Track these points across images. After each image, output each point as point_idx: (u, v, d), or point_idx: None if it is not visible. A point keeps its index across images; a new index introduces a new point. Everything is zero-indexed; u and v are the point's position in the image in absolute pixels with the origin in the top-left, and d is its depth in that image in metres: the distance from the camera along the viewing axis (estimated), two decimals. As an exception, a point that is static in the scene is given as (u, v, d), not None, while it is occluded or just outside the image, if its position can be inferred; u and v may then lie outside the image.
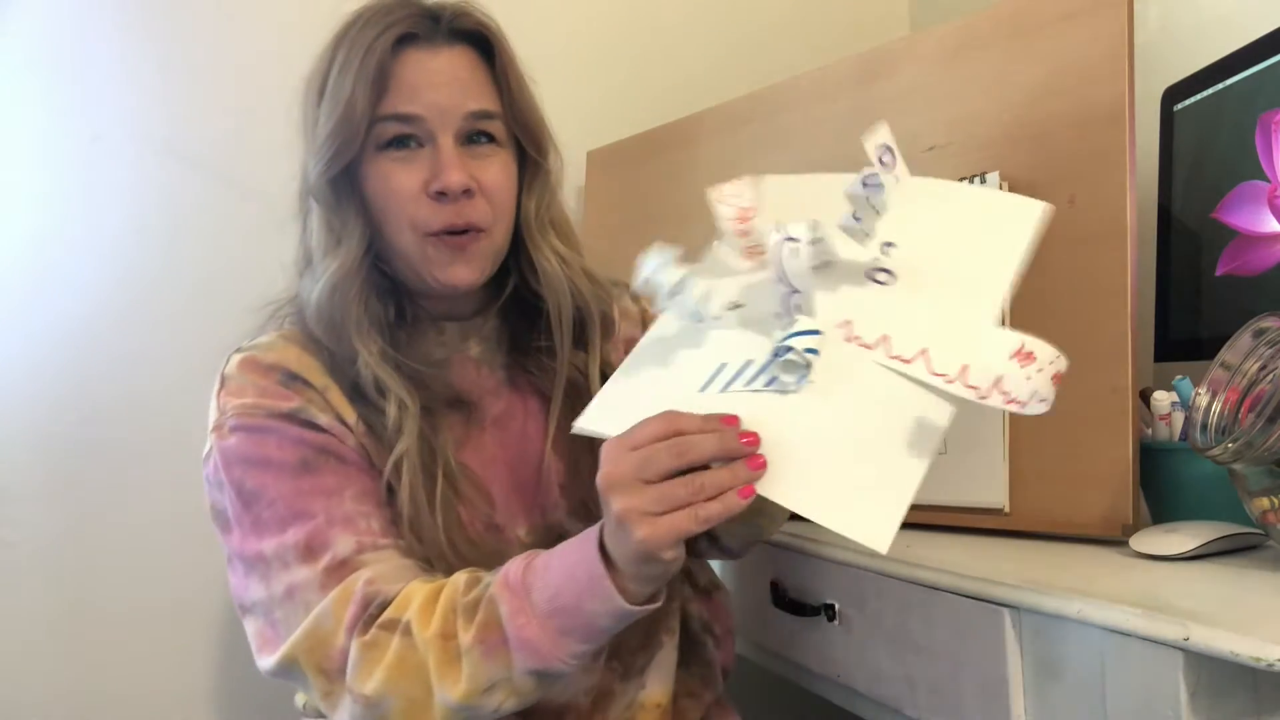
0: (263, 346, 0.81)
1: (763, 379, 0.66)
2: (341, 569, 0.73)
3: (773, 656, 1.06)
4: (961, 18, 1.00)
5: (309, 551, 0.73)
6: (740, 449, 0.62)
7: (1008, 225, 0.71)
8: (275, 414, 0.77)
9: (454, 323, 0.87)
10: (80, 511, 1.24)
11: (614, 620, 0.66)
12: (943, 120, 1.01)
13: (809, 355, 0.64)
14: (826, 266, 0.68)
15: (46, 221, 1.24)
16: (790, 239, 0.65)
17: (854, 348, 0.66)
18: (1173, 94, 1.01)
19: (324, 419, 0.78)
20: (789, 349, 0.64)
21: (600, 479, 0.63)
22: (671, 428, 0.62)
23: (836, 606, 0.91)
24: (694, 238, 1.24)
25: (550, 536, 0.84)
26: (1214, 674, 0.58)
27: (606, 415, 0.70)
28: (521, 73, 0.84)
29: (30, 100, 1.24)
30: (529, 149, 0.84)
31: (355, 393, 0.79)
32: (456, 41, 0.81)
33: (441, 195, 0.78)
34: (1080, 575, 0.72)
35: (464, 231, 0.80)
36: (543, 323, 0.87)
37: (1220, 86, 0.94)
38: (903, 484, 0.61)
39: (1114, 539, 0.82)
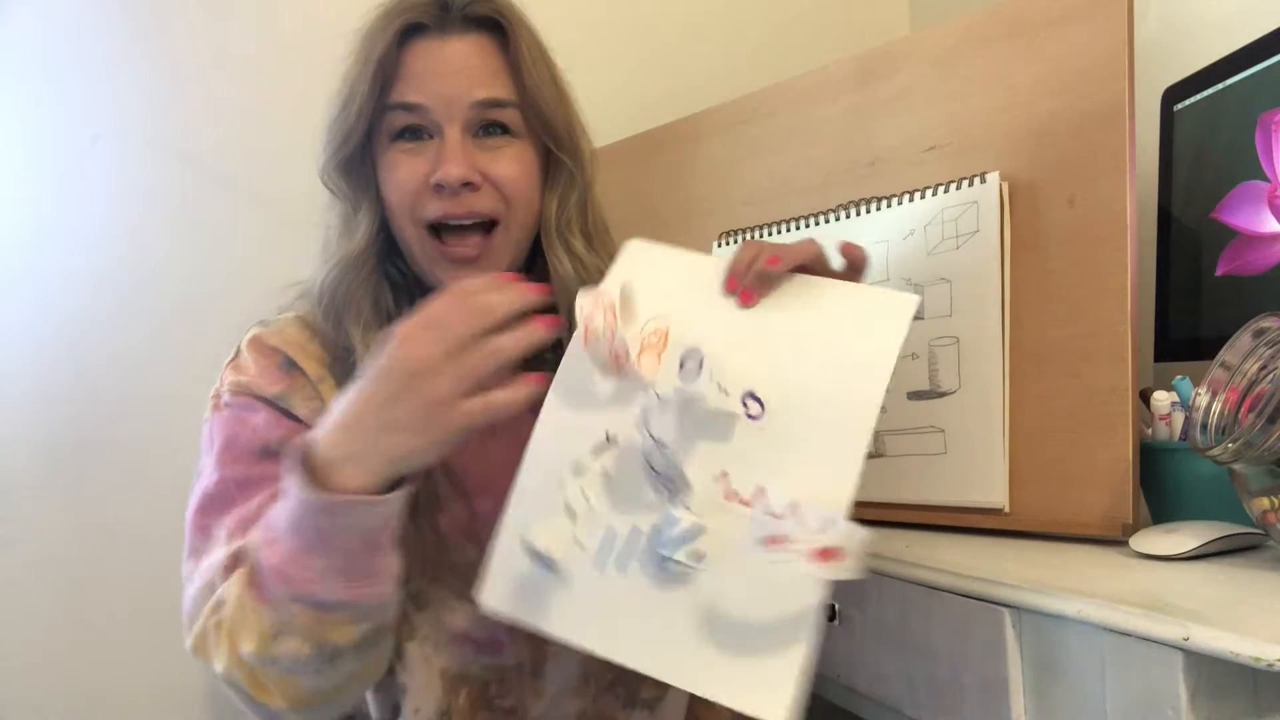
0: (275, 326, 0.82)
1: (636, 564, 0.65)
2: (246, 557, 0.71)
3: (773, 656, 1.06)
4: (961, 18, 1.00)
5: (230, 536, 0.73)
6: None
7: (879, 325, 0.68)
8: (259, 396, 0.78)
9: None
10: (80, 511, 1.24)
11: (328, 517, 0.62)
12: (943, 120, 1.01)
13: (695, 561, 0.64)
14: (700, 413, 0.67)
15: (46, 221, 1.24)
16: (655, 440, 0.63)
17: (734, 507, 0.65)
18: (1173, 94, 1.01)
19: (305, 410, 0.78)
20: (671, 559, 0.63)
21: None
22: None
23: (837, 606, 0.91)
24: (695, 237, 1.24)
25: None
26: (1214, 674, 0.58)
27: (506, 592, 0.67)
28: (544, 61, 0.81)
29: (30, 100, 1.24)
30: (546, 141, 0.82)
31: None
32: (471, 29, 0.79)
33: (440, 188, 0.77)
34: (1080, 575, 0.72)
35: (468, 227, 0.79)
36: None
37: (1220, 86, 0.94)
38: (790, 658, 0.61)
39: (1114, 539, 0.82)
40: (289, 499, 0.64)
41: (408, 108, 0.78)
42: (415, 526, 0.76)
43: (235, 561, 0.71)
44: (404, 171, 0.78)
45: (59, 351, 1.24)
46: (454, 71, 0.78)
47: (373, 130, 0.79)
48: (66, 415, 1.24)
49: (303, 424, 0.78)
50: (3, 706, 1.21)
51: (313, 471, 0.63)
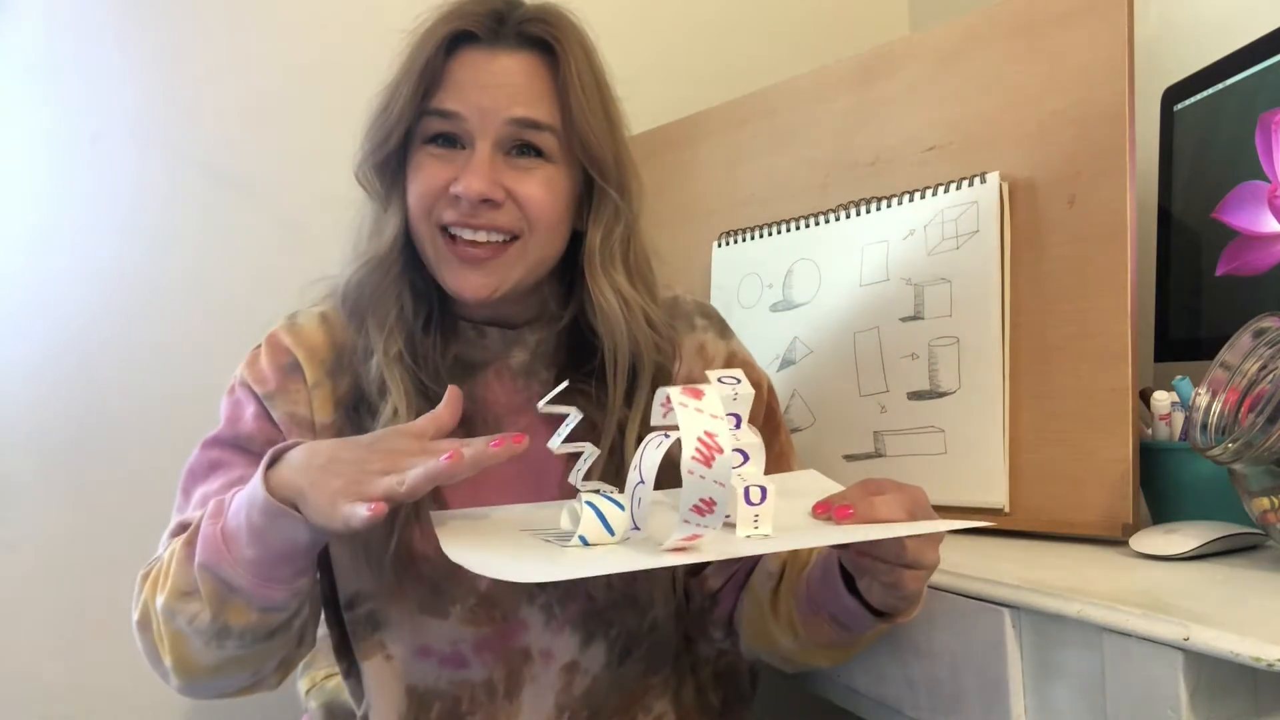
0: (300, 320, 0.84)
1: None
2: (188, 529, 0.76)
3: (773, 656, 1.06)
4: (961, 18, 1.01)
5: (194, 507, 0.78)
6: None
7: None
8: (254, 392, 0.81)
9: (497, 329, 0.83)
10: (81, 512, 1.24)
11: (266, 517, 0.64)
12: (943, 120, 1.01)
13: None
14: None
15: (47, 221, 1.24)
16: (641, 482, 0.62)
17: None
18: (1173, 94, 1.01)
19: (280, 413, 0.80)
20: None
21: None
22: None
23: (836, 606, 0.91)
24: (694, 237, 1.24)
25: None
26: (1214, 674, 0.58)
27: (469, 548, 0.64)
28: (595, 89, 0.79)
29: (30, 100, 1.24)
30: (590, 171, 0.79)
31: (355, 391, 0.80)
32: (523, 47, 0.78)
33: (457, 199, 0.76)
34: (1080, 575, 0.72)
35: (481, 240, 0.77)
36: (595, 363, 0.81)
37: (1220, 86, 0.94)
38: None
39: (1114, 539, 0.82)
40: (249, 485, 0.67)
41: (444, 114, 0.77)
42: (374, 549, 0.77)
43: (181, 530, 0.76)
44: (430, 173, 0.77)
45: (60, 353, 1.24)
46: (496, 85, 0.76)
47: (410, 133, 0.78)
48: (68, 417, 1.24)
49: (275, 428, 0.80)
50: (3, 706, 1.21)
51: (275, 474, 0.66)
